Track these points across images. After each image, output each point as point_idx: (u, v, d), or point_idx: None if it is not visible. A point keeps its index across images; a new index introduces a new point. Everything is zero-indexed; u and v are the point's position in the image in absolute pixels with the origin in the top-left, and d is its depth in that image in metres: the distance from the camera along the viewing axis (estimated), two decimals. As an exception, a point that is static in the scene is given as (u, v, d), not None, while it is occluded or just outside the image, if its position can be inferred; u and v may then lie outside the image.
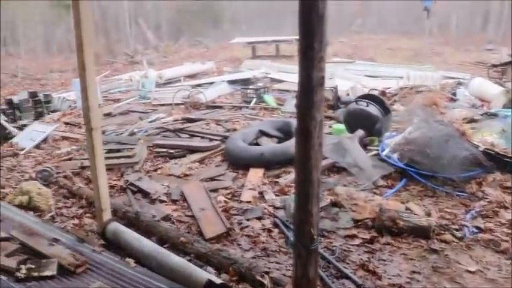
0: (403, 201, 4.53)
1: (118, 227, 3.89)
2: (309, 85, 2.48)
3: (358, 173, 5.15)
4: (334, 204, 4.43)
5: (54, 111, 9.45)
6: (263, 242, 3.92)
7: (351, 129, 6.35)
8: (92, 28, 3.76)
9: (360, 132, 6.04)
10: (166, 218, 4.45)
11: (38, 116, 8.93)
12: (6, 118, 8.02)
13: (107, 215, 4.00)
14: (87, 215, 4.63)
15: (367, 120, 6.27)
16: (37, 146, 7.08)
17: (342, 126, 6.75)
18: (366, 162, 5.35)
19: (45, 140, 7.27)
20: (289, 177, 5.21)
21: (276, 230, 4.13)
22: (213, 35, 27.88)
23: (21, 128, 7.91)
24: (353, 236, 3.94)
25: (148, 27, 28.41)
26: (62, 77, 16.84)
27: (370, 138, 6.14)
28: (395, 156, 5.35)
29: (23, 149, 6.90)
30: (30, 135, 7.41)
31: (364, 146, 5.92)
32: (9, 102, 8.72)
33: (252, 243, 3.91)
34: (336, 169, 5.48)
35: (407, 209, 4.29)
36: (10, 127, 7.61)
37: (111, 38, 25.18)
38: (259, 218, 4.35)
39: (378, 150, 5.76)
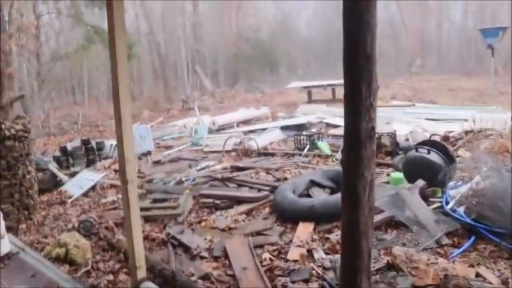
0: (473, 264, 3.94)
1: (150, 288, 3.59)
2: (356, 138, 2.12)
3: (418, 230, 4.59)
4: (391, 266, 3.91)
5: (106, 158, 9.52)
6: (309, 311, 3.48)
7: (411, 178, 5.79)
8: (129, 81, 3.62)
9: (421, 183, 5.46)
10: (206, 277, 4.09)
11: (90, 163, 9.01)
12: (57, 166, 8.12)
13: (141, 273, 3.73)
14: (124, 270, 4.38)
15: (428, 169, 5.70)
16: (85, 194, 7.04)
17: (400, 175, 6.20)
18: (428, 217, 4.79)
19: (93, 188, 7.25)
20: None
21: (324, 296, 3.67)
22: (269, 80, 28.15)
23: (72, 175, 7.97)
24: (414, 307, 3.42)
25: (206, 74, 29.12)
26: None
27: (432, 189, 5.54)
28: (461, 209, 4.77)
29: (71, 197, 6.89)
30: (79, 182, 7.43)
31: (425, 198, 5.34)
32: (63, 150, 8.88)
33: (296, 312, 3.48)
34: (393, 223, 4.94)
35: (477, 275, 3.69)
36: (61, 174, 7.67)
37: (170, 85, 25.96)
38: (306, 281, 3.89)
39: (441, 202, 5.18)
